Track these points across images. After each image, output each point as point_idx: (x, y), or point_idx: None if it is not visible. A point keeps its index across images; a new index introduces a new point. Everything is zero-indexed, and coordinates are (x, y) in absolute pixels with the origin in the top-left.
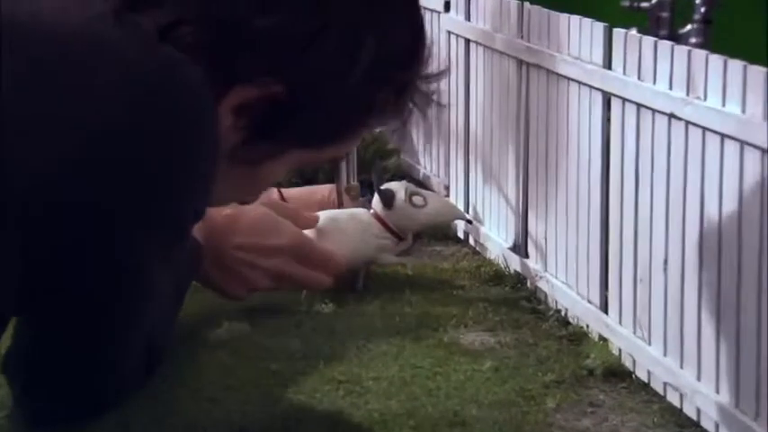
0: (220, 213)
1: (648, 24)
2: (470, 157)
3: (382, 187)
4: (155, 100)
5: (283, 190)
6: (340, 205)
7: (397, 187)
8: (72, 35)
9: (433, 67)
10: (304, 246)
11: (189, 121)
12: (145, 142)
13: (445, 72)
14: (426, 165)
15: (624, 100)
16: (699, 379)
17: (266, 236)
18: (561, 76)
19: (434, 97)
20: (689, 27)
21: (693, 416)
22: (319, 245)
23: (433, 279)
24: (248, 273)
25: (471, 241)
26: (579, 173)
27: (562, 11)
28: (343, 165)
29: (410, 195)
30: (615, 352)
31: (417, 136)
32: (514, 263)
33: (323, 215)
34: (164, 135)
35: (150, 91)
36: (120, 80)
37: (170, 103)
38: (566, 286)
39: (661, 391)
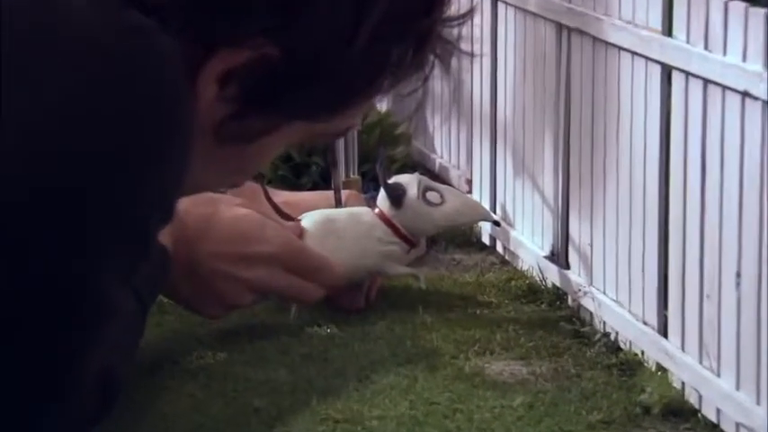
0: (192, 214)
1: None
2: (498, 144)
3: (389, 181)
4: (112, 76)
5: (279, 194)
6: (338, 203)
7: (408, 181)
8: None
9: (454, 8)
10: (296, 253)
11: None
12: (98, 128)
13: (471, 12)
14: (443, 153)
15: (688, 74)
16: None
17: (248, 241)
18: (610, 44)
19: (459, 45)
20: None
21: None
22: (314, 251)
23: (453, 294)
24: (226, 286)
25: (499, 248)
26: (633, 163)
27: None
28: (341, 152)
29: (424, 191)
30: (677, 385)
31: (432, 117)
32: (552, 275)
33: (314, 216)
34: (121, 119)
35: (107, 65)
36: (74, 53)
37: (130, 79)
38: (615, 304)
39: None
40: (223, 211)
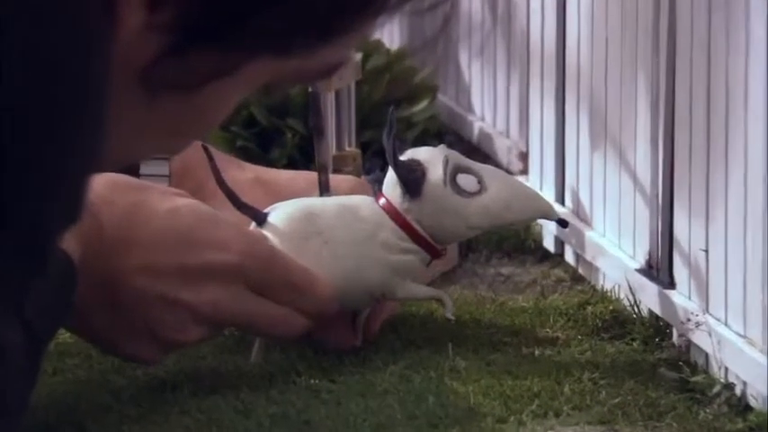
0: (110, 209)
1: None
2: (567, 102)
3: (403, 157)
4: None
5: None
6: (323, 189)
7: (430, 158)
8: None
9: None
10: (265, 264)
11: (42, 40)
12: None
13: None
14: (485, 114)
15: None
16: None
17: (193, 247)
18: None
19: None
20: None
21: None
22: (293, 261)
23: (498, 327)
24: (162, 316)
25: (569, 257)
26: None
27: None
28: (329, 111)
29: (454, 172)
30: None
31: (469, 59)
32: (649, 297)
33: (288, 209)
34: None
35: None
36: None
37: (10, 11)
38: (743, 341)
39: None
40: (155, 201)
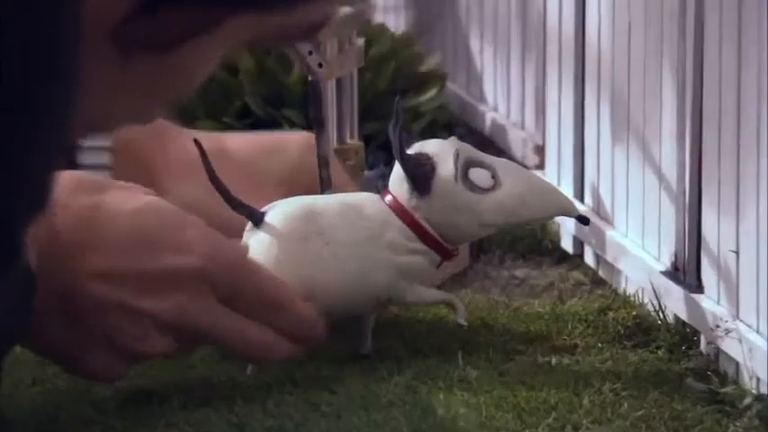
0: (66, 210)
1: None
2: (587, 90)
3: (410, 151)
4: None
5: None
6: (324, 186)
7: (440, 151)
8: None
9: None
10: (233, 270)
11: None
12: None
13: None
14: (498, 103)
15: None
16: None
17: (155, 250)
18: None
19: None
20: None
21: None
22: (269, 274)
23: (513, 334)
24: (121, 324)
25: (589, 259)
26: None
27: None
28: (329, 101)
29: (466, 166)
30: None
31: (480, 44)
32: (675, 301)
33: (287, 207)
34: None
35: None
36: None
37: None
38: None
39: None
40: (116, 202)
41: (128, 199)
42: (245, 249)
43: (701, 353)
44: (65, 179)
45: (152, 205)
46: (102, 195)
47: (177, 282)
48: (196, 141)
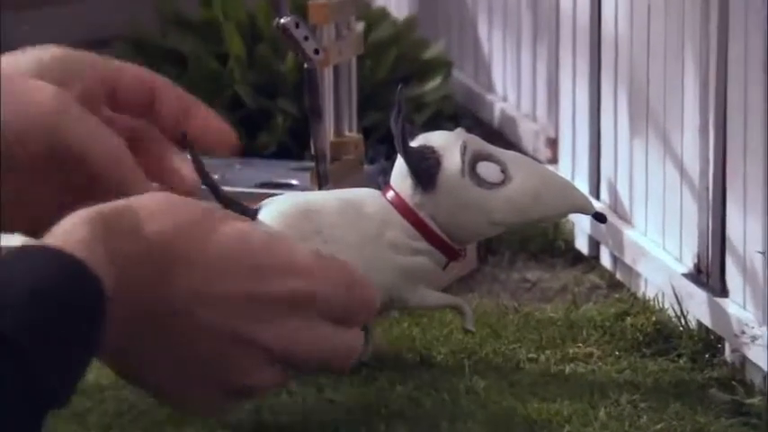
0: (159, 227)
1: None
2: (603, 82)
3: (413, 144)
4: None
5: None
6: (321, 181)
7: (446, 143)
8: None
9: None
10: (349, 288)
11: None
12: None
13: None
14: (508, 94)
15: None
16: None
17: (267, 274)
18: None
19: None
20: None
21: None
22: (371, 283)
23: (523, 341)
24: (234, 356)
25: (605, 260)
26: None
27: None
28: (327, 90)
29: (473, 160)
30: None
31: (488, 32)
32: (698, 306)
33: (282, 204)
34: None
35: None
36: None
37: None
38: None
39: None
40: (216, 220)
41: (229, 222)
42: (355, 268)
43: (725, 361)
44: (161, 196)
45: (257, 228)
46: (203, 214)
47: (290, 307)
48: (183, 135)
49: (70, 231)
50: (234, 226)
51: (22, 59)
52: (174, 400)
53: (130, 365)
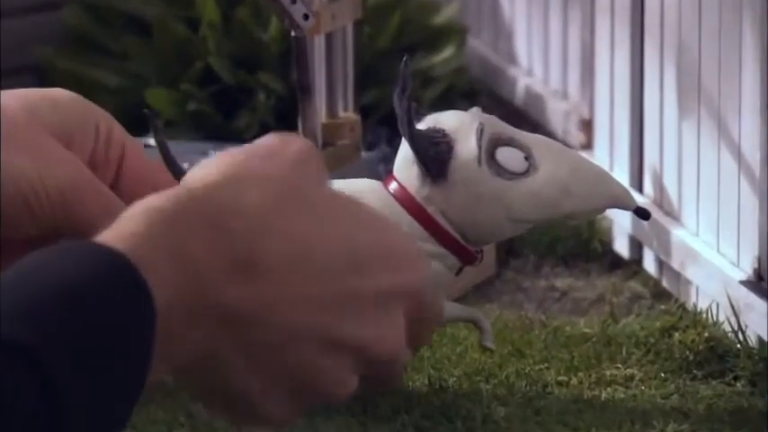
0: (245, 218)
1: None
2: (647, 56)
3: (421, 126)
4: None
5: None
6: None
7: (460, 126)
8: None
9: None
10: (432, 287)
11: None
12: None
13: None
14: (534, 67)
15: None
16: None
17: (370, 266)
18: None
19: None
20: None
21: None
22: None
23: (552, 361)
24: (321, 363)
25: (649, 265)
26: None
27: None
28: (318, 62)
29: (492, 145)
30: None
31: None
32: (758, 319)
33: None
34: None
35: None
36: None
37: None
38: None
39: None
40: (310, 192)
41: (323, 193)
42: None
43: None
44: (230, 166)
45: (356, 204)
46: (289, 182)
47: (393, 304)
48: (150, 114)
49: (126, 223)
50: (327, 201)
51: (38, 103)
52: (246, 418)
53: (206, 380)
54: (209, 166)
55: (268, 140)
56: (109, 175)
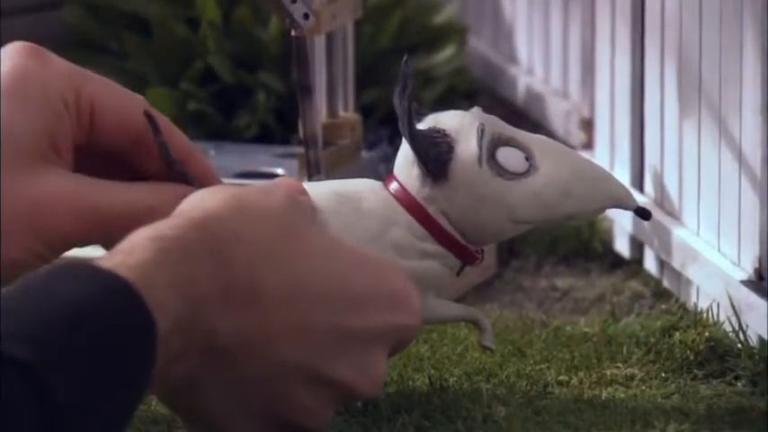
0: (248, 246)
1: None
2: (647, 54)
3: (421, 126)
4: None
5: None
6: (312, 170)
7: (459, 125)
8: None
9: None
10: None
11: None
12: None
13: None
14: (535, 67)
15: None
16: None
17: (363, 304)
18: None
19: None
20: None
21: None
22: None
23: (552, 360)
24: (303, 397)
25: (650, 265)
26: None
27: None
28: (318, 62)
29: (493, 145)
30: None
31: None
32: (759, 319)
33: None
34: None
35: None
36: None
37: None
38: None
39: None
40: (310, 234)
41: (322, 233)
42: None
43: None
44: (231, 200)
45: (349, 246)
46: (290, 223)
47: (382, 342)
48: (148, 115)
49: (129, 249)
50: (326, 242)
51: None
52: None
53: (185, 401)
54: (208, 197)
55: (258, 183)
56: (82, 131)
